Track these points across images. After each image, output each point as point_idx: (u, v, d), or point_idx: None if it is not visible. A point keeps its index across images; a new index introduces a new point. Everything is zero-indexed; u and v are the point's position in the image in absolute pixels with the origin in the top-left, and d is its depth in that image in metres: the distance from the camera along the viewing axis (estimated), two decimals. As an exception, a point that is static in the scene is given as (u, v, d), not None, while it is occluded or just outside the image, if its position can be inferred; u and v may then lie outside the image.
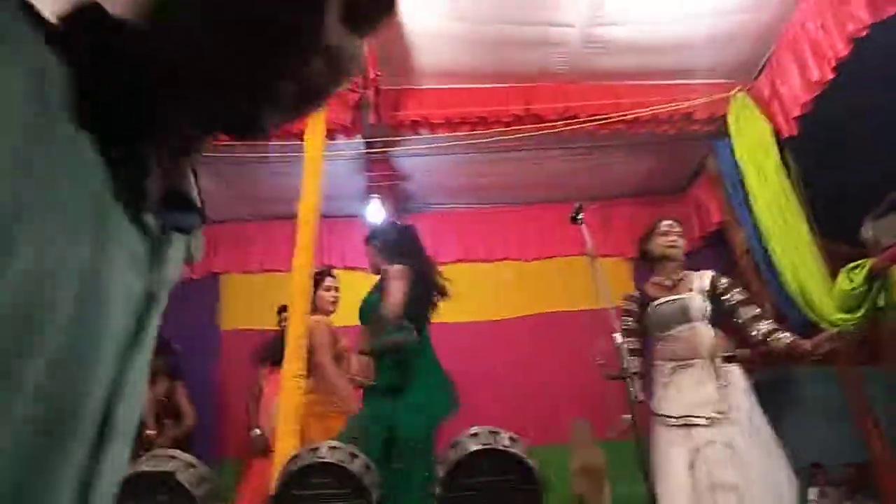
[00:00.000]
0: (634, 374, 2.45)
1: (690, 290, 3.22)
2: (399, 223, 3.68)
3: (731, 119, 4.28)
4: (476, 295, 3.87)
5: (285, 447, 2.27)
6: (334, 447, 1.80)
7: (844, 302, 3.57)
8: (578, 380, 3.36)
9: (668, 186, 5.71)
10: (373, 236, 3.50)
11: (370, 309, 3.29)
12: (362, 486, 1.71)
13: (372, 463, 1.85)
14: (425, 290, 3.24)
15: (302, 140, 3.45)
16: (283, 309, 4.27)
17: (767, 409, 4.80)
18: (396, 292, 3.07)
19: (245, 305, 5.23)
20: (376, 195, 5.25)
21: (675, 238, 3.37)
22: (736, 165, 4.27)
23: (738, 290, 3.16)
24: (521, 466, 1.72)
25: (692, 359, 3.09)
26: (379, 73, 4.12)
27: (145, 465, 1.81)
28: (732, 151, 4.29)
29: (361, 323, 3.17)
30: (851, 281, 3.54)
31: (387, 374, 2.97)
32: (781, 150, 4.10)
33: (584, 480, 1.66)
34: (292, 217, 3.14)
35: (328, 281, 3.86)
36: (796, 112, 3.91)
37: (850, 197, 4.42)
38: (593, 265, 2.85)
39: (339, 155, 4.76)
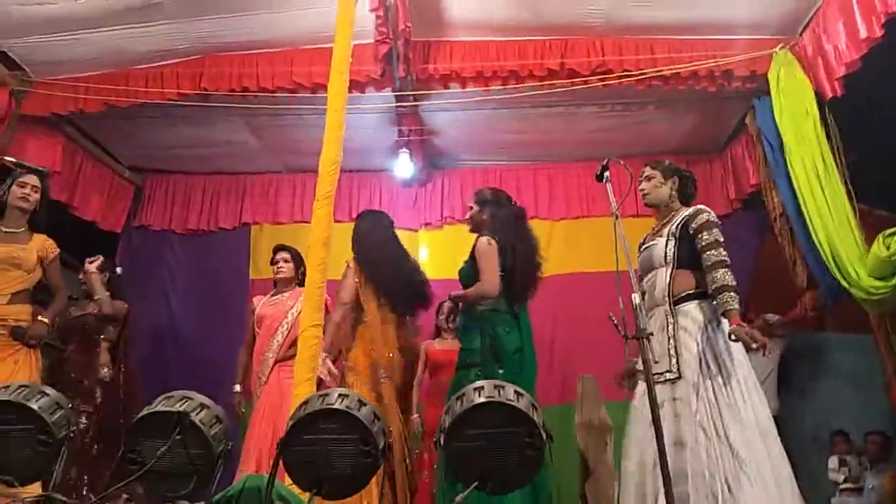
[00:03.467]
0: (651, 334, 2.41)
1: (663, 234, 3.08)
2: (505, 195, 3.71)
3: (771, 77, 4.12)
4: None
5: (302, 394, 2.33)
6: (344, 394, 1.84)
7: (878, 269, 3.47)
8: (600, 340, 3.35)
9: (707, 145, 5.57)
10: (485, 201, 3.58)
11: (466, 280, 3.41)
12: (369, 432, 1.76)
13: (380, 412, 1.88)
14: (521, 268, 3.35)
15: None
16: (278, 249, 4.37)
17: (796, 375, 4.74)
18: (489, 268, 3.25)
19: (274, 255, 5.29)
20: (405, 150, 5.23)
21: (643, 185, 3.26)
22: (775, 125, 4.12)
23: (710, 231, 2.91)
24: (526, 420, 1.73)
25: (654, 307, 3.01)
26: (409, 24, 4.06)
27: (160, 406, 1.88)
28: (772, 111, 4.13)
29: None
30: (887, 248, 3.43)
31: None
32: (823, 111, 3.94)
33: (586, 436, 1.67)
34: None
35: None
36: (841, 71, 3.75)
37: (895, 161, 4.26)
38: (616, 223, 2.80)
39: (368, 108, 4.74)
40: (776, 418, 4.18)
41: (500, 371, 3.09)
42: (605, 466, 1.60)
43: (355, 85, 4.38)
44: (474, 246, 3.45)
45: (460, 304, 3.42)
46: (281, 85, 4.46)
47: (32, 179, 3.50)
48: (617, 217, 2.78)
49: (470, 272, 3.42)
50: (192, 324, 5.61)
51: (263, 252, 5.58)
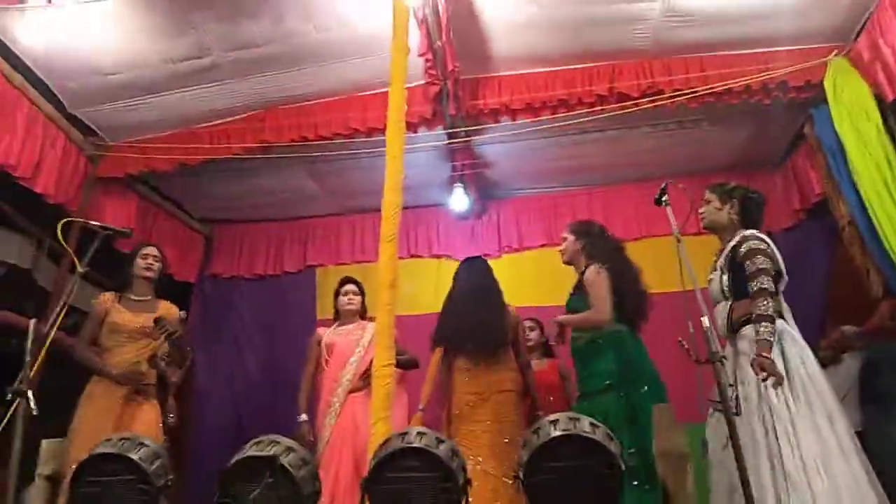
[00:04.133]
0: (724, 357, 2.39)
1: (717, 267, 3.10)
2: (598, 225, 3.84)
3: (828, 85, 4.05)
4: (562, 280, 3.88)
5: (379, 432, 2.40)
6: (422, 433, 1.90)
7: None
8: (665, 364, 3.31)
9: (766, 158, 5.46)
10: (579, 232, 3.69)
11: (576, 311, 3.46)
12: (449, 469, 1.80)
13: (457, 447, 1.93)
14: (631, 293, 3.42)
15: (384, 135, 3.54)
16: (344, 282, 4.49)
17: (879, 387, 4.54)
18: (602, 296, 3.28)
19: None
20: (460, 184, 5.32)
21: (702, 209, 3.23)
22: (835, 133, 4.03)
23: (753, 259, 2.91)
24: (602, 452, 1.75)
25: (717, 350, 2.98)
26: (457, 64, 4.16)
27: (251, 451, 1.98)
28: (831, 119, 4.05)
29: None
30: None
31: None
32: (885, 115, 3.84)
33: (665, 465, 1.67)
34: (379, 209, 3.23)
35: None
36: (903, 73, 3.66)
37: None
38: (679, 247, 2.80)
39: (421, 146, 4.85)
40: (860, 433, 4.04)
41: (645, 389, 3.11)
42: (685, 494, 1.59)
43: (408, 126, 4.47)
44: (583, 275, 3.49)
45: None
46: (338, 131, 4.64)
47: (152, 251, 3.80)
48: (679, 241, 2.77)
49: (578, 302, 3.45)
50: (263, 366, 5.79)
51: (329, 293, 5.74)
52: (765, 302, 2.82)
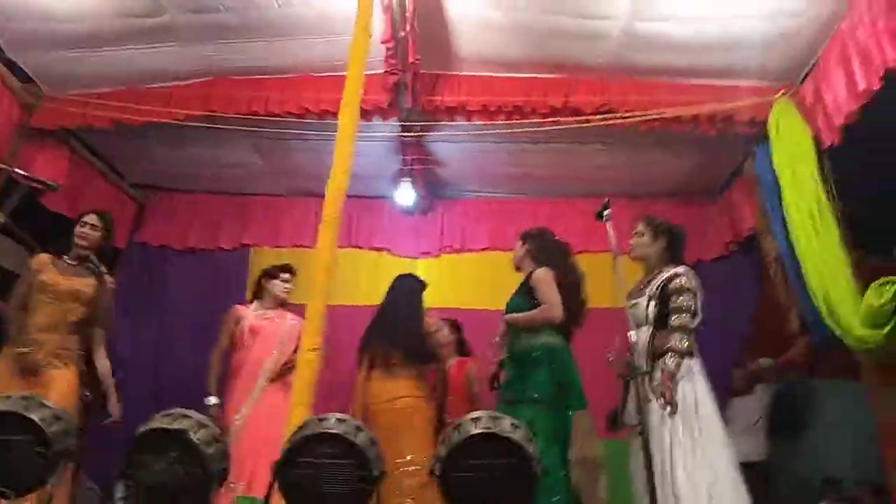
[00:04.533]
0: (645, 373, 2.46)
1: (645, 294, 3.21)
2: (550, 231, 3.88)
3: (771, 123, 4.19)
4: (501, 284, 3.91)
5: (298, 417, 2.34)
6: (342, 419, 1.86)
7: (871, 318, 3.48)
8: (595, 377, 3.36)
9: (705, 188, 5.63)
10: (528, 236, 3.73)
11: (518, 310, 3.46)
12: (366, 458, 1.77)
13: (377, 438, 1.90)
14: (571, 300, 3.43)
15: (336, 118, 3.48)
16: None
17: (788, 420, 4.73)
18: (553, 294, 3.30)
19: (272, 278, 5.29)
20: (408, 178, 5.28)
21: (633, 241, 3.36)
22: (774, 171, 4.18)
23: (680, 295, 3.08)
24: (521, 452, 1.75)
25: (639, 366, 3.09)
26: (418, 57, 4.13)
27: (158, 423, 1.90)
28: (771, 157, 4.20)
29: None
30: (881, 296, 3.45)
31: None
32: (821, 159, 4.00)
33: (580, 472, 1.70)
34: (323, 195, 3.16)
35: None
36: (840, 121, 3.79)
37: (891, 210, 4.31)
38: (615, 263, 2.86)
39: (373, 137, 4.80)
40: (765, 464, 4.22)
41: (570, 412, 3.16)
42: (597, 501, 1.62)
43: (363, 114, 4.41)
44: (530, 276, 3.51)
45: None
46: (289, 109, 4.53)
47: (92, 219, 3.71)
48: (616, 257, 2.84)
49: (521, 303, 3.47)
50: (186, 341, 5.58)
51: (262, 274, 5.61)
52: (681, 337, 2.98)
